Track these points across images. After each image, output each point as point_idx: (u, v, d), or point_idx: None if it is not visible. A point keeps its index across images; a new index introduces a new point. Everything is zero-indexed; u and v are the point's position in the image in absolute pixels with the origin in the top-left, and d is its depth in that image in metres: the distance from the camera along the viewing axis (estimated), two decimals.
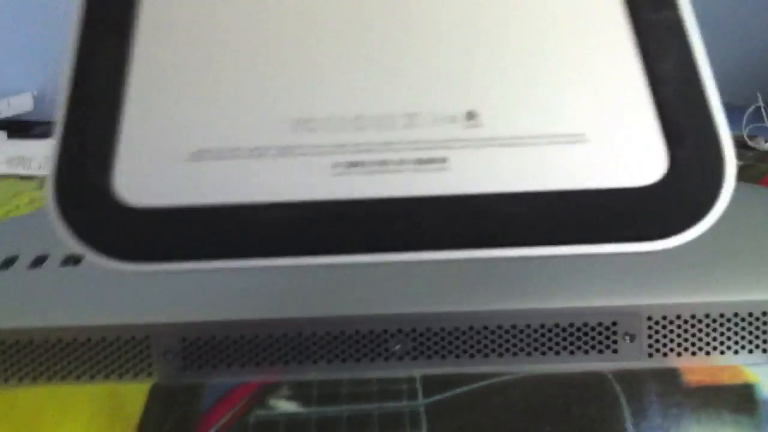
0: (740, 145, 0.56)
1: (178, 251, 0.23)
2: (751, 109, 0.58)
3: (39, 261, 0.33)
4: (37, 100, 0.90)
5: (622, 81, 0.24)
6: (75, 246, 0.22)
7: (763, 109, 0.59)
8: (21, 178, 0.67)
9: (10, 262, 0.33)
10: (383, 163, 0.23)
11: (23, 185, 0.65)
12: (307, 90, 0.24)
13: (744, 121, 0.57)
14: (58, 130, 0.23)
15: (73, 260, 0.33)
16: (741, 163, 0.51)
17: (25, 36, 0.91)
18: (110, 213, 0.22)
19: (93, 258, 0.22)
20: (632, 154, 0.24)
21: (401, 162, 0.23)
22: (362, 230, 0.23)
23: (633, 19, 0.24)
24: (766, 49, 0.68)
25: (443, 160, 0.23)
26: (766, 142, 0.56)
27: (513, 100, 0.24)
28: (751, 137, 0.56)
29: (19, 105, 0.86)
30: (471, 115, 0.24)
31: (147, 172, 0.23)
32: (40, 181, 0.66)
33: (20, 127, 0.86)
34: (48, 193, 0.23)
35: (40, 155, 0.72)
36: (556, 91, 0.24)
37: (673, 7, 0.23)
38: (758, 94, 0.60)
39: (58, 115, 0.24)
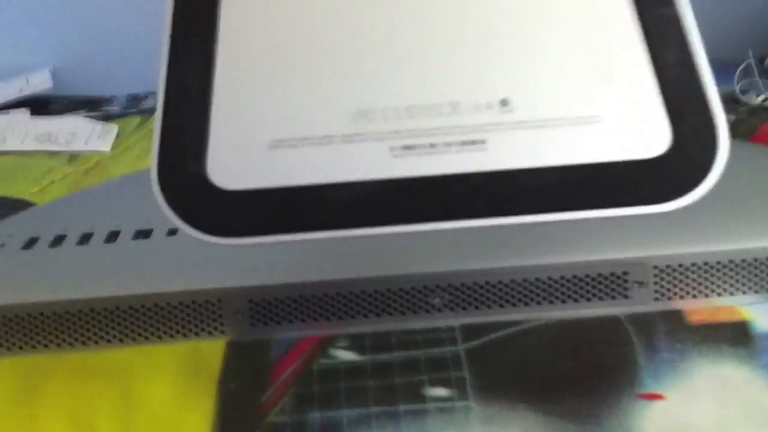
0: (732, 100, 0.60)
1: (262, 227, 0.27)
2: (743, 66, 0.61)
3: (113, 236, 0.37)
4: (54, 76, 0.91)
5: (631, 68, 0.28)
6: (177, 223, 0.26)
7: (754, 65, 0.62)
8: (50, 154, 0.70)
9: (86, 238, 0.37)
10: (432, 145, 0.27)
11: (53, 161, 0.68)
12: (366, 83, 0.28)
13: (736, 77, 0.60)
14: (157, 122, 0.27)
15: (143, 234, 0.37)
16: (733, 117, 0.55)
17: (39, 10, 0.91)
18: (205, 195, 0.26)
19: (191, 233, 0.26)
20: (641, 131, 0.28)
21: (448, 144, 0.27)
22: (417, 203, 0.27)
23: (638, 14, 0.28)
24: (757, 6, 0.71)
25: (483, 142, 0.28)
26: (757, 96, 0.59)
27: (539, 88, 0.28)
28: (743, 92, 0.59)
29: (38, 82, 0.88)
30: (504, 102, 0.28)
31: (234, 159, 0.27)
32: (69, 156, 0.69)
33: (41, 104, 0.88)
34: (152, 177, 0.27)
35: (65, 131, 0.74)
36: (575, 78, 0.28)
37: (672, 4, 0.27)
38: (749, 51, 0.63)
39: (156, 110, 0.27)
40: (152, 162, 0.27)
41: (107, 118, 0.79)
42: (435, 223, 0.27)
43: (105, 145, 0.70)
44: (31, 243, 0.37)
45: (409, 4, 0.29)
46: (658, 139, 0.27)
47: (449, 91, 0.28)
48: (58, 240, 0.37)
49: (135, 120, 0.78)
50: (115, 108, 0.86)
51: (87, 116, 0.79)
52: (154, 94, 0.88)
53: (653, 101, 0.27)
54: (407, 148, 0.27)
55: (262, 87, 0.27)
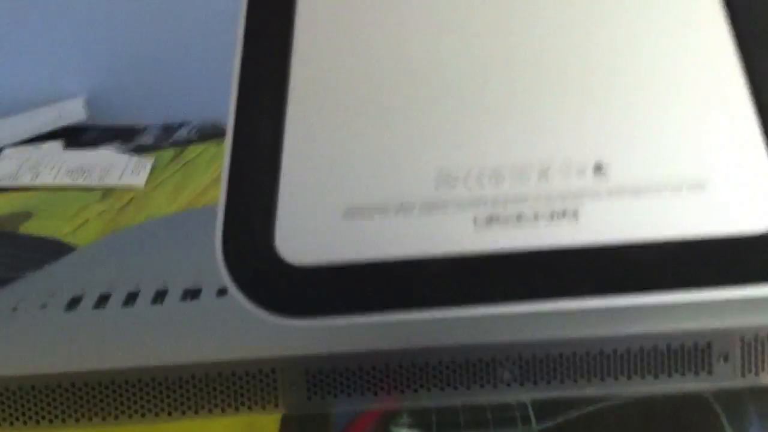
0: None
1: (335, 306, 0.24)
2: None
3: (160, 296, 0.35)
4: (87, 104, 0.90)
5: (738, 127, 0.26)
6: (242, 301, 0.24)
7: None
8: (83, 189, 0.69)
9: (132, 297, 0.35)
10: (519, 217, 0.25)
11: (87, 197, 0.67)
12: (447, 145, 0.26)
13: None
14: (223, 186, 0.25)
15: (192, 294, 0.35)
16: None
17: (73, 37, 0.91)
18: (272, 271, 0.24)
19: (257, 313, 0.24)
20: (750, 201, 0.25)
21: (536, 216, 0.25)
22: (503, 282, 0.25)
23: (747, 69, 0.26)
24: None
25: (574, 213, 0.25)
26: None
27: (636, 151, 0.26)
28: None
29: (72, 113, 0.87)
30: (598, 167, 0.25)
31: (305, 230, 0.25)
32: (104, 191, 0.68)
33: (74, 134, 0.87)
34: (216, 247, 0.25)
35: (99, 164, 0.73)
36: (676, 139, 0.26)
37: None
38: None
39: (223, 171, 0.26)
40: (217, 230, 0.25)
41: (140, 149, 0.77)
42: (521, 304, 0.25)
43: (140, 179, 0.69)
44: (73, 303, 0.35)
45: (495, 52, 0.26)
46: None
47: (538, 152, 0.25)
48: (103, 300, 0.34)
49: (169, 152, 0.76)
50: (148, 139, 0.85)
51: (120, 148, 0.78)
52: (187, 124, 0.88)
53: (764, 164, 0.25)
54: (492, 218, 0.25)
55: (335, 148, 0.25)
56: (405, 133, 0.26)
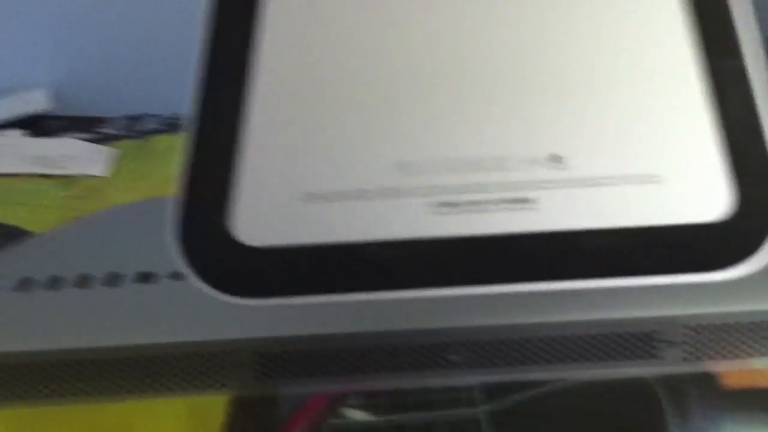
0: None
1: (290, 287, 0.25)
2: None
3: (114, 278, 0.35)
4: (54, 95, 0.89)
5: (692, 123, 0.26)
6: (195, 281, 0.24)
7: None
8: (43, 177, 0.68)
9: (85, 280, 0.35)
10: (476, 203, 0.25)
11: (47, 185, 0.66)
12: (405, 135, 0.26)
13: None
14: (183, 169, 0.25)
15: (145, 277, 0.35)
16: None
17: (39, 27, 0.90)
18: (227, 251, 0.24)
19: (211, 293, 0.24)
20: (700, 193, 0.26)
21: (493, 202, 0.26)
22: (457, 266, 0.25)
23: (703, 67, 0.27)
24: None
25: (530, 200, 0.26)
26: None
27: (592, 143, 0.26)
28: None
29: (34, 102, 0.86)
30: (555, 158, 0.26)
31: (262, 213, 0.25)
32: (64, 180, 0.67)
33: (34, 123, 0.86)
34: (170, 228, 0.25)
35: (60, 153, 0.72)
36: (632, 133, 0.26)
37: (739, 56, 0.26)
38: None
39: (183, 156, 0.26)
40: (173, 211, 0.25)
41: (104, 140, 0.77)
42: (476, 287, 0.25)
43: (101, 169, 0.68)
44: (25, 284, 0.35)
45: (455, 49, 0.27)
46: (720, 201, 0.25)
47: (496, 144, 0.26)
48: (55, 282, 0.34)
49: (133, 143, 0.76)
50: (112, 130, 0.84)
51: (83, 138, 0.77)
52: (152, 116, 0.87)
53: (714, 160, 0.25)
54: (449, 204, 0.25)
55: (296, 134, 0.26)
56: (365, 122, 0.26)
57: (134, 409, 0.31)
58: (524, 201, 0.26)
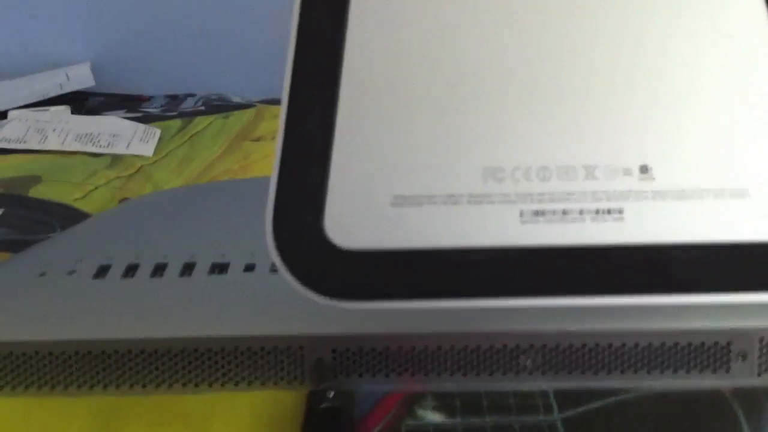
0: None
1: (381, 291, 0.25)
2: None
3: (188, 269, 0.35)
4: (94, 70, 0.89)
5: None
6: (291, 282, 0.25)
7: None
8: (91, 155, 0.68)
9: (160, 269, 0.35)
10: (565, 212, 0.25)
11: (95, 164, 0.66)
12: (497, 140, 0.26)
13: None
14: (274, 174, 0.25)
15: (220, 268, 0.35)
16: None
17: (79, 3, 0.90)
18: (321, 254, 0.25)
19: (305, 294, 0.25)
20: None
21: (581, 212, 0.25)
22: (546, 276, 0.25)
23: None
24: None
25: (619, 211, 0.26)
26: None
27: (681, 155, 0.26)
28: None
29: (79, 78, 0.86)
30: (644, 169, 0.26)
31: (354, 217, 0.25)
32: (112, 159, 0.67)
33: (80, 100, 0.86)
34: (266, 229, 0.25)
35: (107, 132, 0.73)
36: (720, 146, 0.26)
37: None
38: None
39: (274, 160, 0.26)
40: (267, 211, 0.25)
41: (147, 119, 0.77)
42: (562, 298, 0.25)
43: (148, 149, 0.69)
44: (102, 272, 0.35)
45: (546, 54, 0.27)
46: None
47: (585, 152, 0.26)
48: (131, 270, 0.35)
49: (176, 123, 0.76)
50: (154, 109, 0.84)
51: (126, 116, 0.77)
52: (193, 96, 0.87)
53: None
54: (538, 213, 0.25)
55: (386, 138, 0.26)
56: (455, 127, 0.26)
57: (214, 401, 0.31)
58: (612, 212, 0.26)
